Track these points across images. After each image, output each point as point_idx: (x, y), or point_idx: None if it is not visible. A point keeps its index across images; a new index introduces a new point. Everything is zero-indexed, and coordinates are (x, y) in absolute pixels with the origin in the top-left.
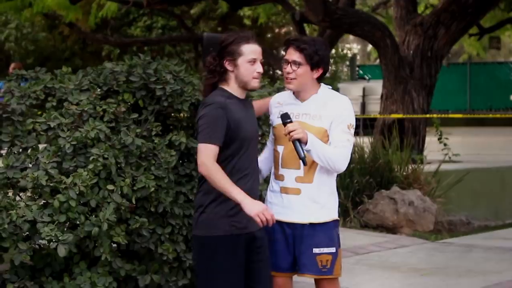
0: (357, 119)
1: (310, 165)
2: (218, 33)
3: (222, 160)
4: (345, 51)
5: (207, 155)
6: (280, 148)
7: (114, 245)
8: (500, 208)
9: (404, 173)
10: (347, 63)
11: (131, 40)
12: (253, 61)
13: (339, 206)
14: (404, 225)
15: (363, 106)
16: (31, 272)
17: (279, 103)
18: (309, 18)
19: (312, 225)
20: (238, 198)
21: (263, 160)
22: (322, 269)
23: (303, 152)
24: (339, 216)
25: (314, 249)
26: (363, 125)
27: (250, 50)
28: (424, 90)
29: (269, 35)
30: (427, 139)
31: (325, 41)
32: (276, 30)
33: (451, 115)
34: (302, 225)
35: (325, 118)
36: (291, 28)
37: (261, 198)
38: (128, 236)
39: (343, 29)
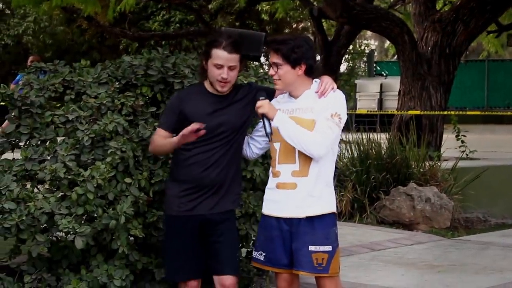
0: (374, 115)
1: (304, 159)
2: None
3: (180, 152)
4: (362, 47)
5: (154, 134)
6: (277, 145)
7: (131, 238)
8: None
9: (421, 170)
10: (365, 59)
11: (149, 34)
12: (219, 67)
13: (356, 202)
14: (421, 221)
15: (380, 103)
16: (48, 264)
17: (277, 100)
18: (327, 13)
19: (309, 219)
20: (175, 141)
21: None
22: (317, 267)
23: (270, 128)
24: (355, 212)
25: (310, 246)
26: (380, 121)
27: (217, 56)
28: (442, 87)
29: (286, 30)
30: (444, 136)
31: (307, 38)
32: (294, 25)
33: (468, 112)
34: (299, 220)
35: (316, 110)
36: (309, 24)
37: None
38: (145, 229)
39: (361, 25)
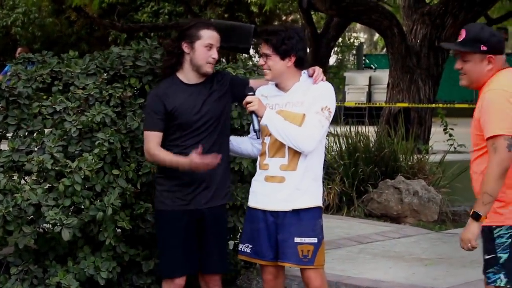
0: (363, 108)
1: (293, 153)
2: (225, 20)
3: (168, 144)
4: (352, 40)
5: (148, 142)
6: (267, 139)
7: (119, 230)
8: None
9: (409, 163)
10: (354, 52)
11: (138, 25)
12: (210, 47)
13: (343, 195)
14: (408, 215)
15: (369, 95)
16: (35, 255)
17: (263, 95)
18: (317, 5)
19: (295, 212)
20: (184, 163)
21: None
22: (303, 258)
23: (258, 125)
24: (343, 205)
25: (295, 238)
26: (369, 114)
27: (208, 36)
28: (430, 80)
29: (276, 23)
30: (433, 129)
31: (298, 29)
32: (283, 18)
33: (457, 105)
34: (285, 213)
35: (305, 103)
36: (298, 16)
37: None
38: (132, 221)
39: (350, 17)
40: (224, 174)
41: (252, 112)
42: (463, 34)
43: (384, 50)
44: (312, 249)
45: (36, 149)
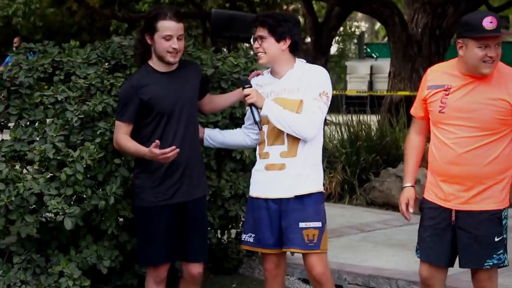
0: (364, 97)
1: (293, 139)
2: (226, 10)
3: (146, 135)
4: (353, 29)
5: (117, 131)
6: (265, 128)
7: (121, 219)
8: None
9: None
10: (355, 41)
11: (139, 15)
12: (168, 38)
13: (345, 184)
14: None
15: (371, 84)
16: (37, 245)
17: (257, 84)
18: None
19: (298, 198)
20: (143, 153)
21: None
22: (308, 243)
23: (259, 116)
24: (344, 193)
25: (300, 223)
26: (371, 103)
27: (165, 27)
28: None
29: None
30: None
31: (294, 15)
32: (284, 7)
33: None
34: (288, 200)
35: (302, 90)
36: (299, 5)
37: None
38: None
39: (351, 6)
40: (201, 162)
41: (251, 104)
42: (495, 22)
43: (386, 39)
44: (317, 233)
45: (38, 138)
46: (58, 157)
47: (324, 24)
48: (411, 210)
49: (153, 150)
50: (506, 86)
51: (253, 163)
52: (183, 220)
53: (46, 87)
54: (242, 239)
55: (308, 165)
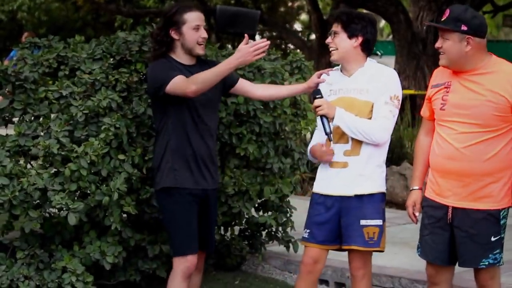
0: None
1: (356, 139)
2: (231, 6)
3: (178, 121)
4: None
5: (179, 82)
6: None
7: (124, 215)
8: None
9: None
10: None
11: (144, 11)
12: (197, 28)
13: None
14: None
15: None
16: (41, 240)
17: (327, 82)
18: None
19: (358, 197)
20: (230, 60)
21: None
22: (369, 241)
23: (329, 127)
24: None
25: (361, 220)
26: None
27: (193, 18)
28: (436, 67)
29: (282, 9)
30: None
31: (372, 16)
32: (289, 4)
33: None
34: (348, 198)
35: (372, 91)
36: (304, 2)
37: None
38: (138, 206)
39: (357, 3)
40: (216, 157)
41: (323, 115)
42: (446, 13)
43: (390, 36)
44: (377, 231)
45: (42, 133)
46: (62, 152)
47: (329, 21)
48: (417, 213)
49: (245, 47)
50: (505, 82)
51: (256, 160)
52: (204, 210)
53: (50, 82)
54: (302, 235)
55: (371, 165)
